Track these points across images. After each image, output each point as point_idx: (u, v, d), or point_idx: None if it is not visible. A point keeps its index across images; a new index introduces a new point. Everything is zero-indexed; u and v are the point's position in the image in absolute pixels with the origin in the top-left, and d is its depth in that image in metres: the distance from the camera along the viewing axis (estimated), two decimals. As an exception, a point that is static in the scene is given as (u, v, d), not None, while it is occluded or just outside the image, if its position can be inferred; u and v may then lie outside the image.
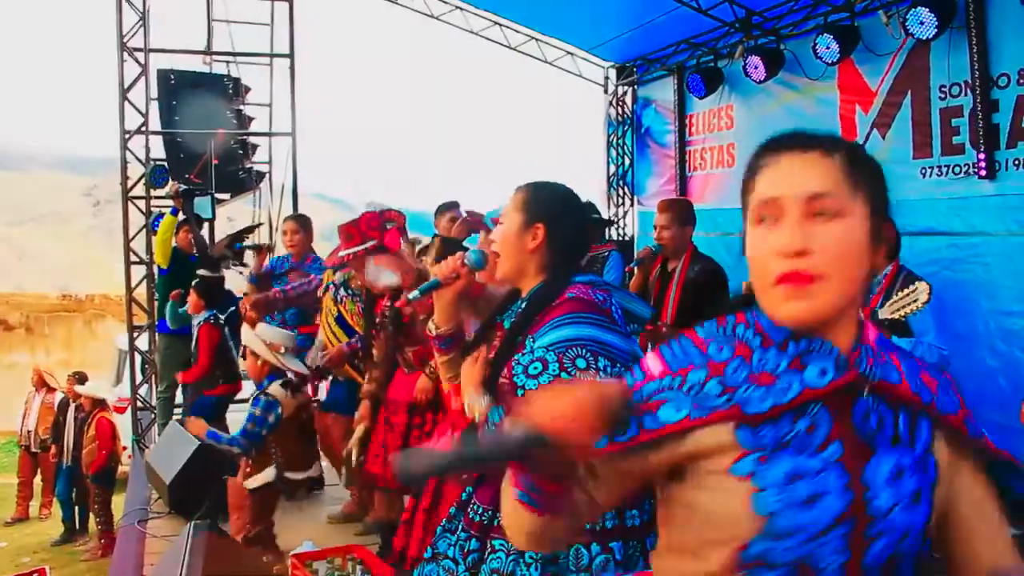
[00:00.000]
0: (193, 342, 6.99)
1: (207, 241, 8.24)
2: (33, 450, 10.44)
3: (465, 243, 4.70)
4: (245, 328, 5.42)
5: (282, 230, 7.46)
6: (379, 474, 4.73)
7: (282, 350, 5.02)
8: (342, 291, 5.63)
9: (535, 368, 2.16)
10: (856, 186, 1.24)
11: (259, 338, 5.02)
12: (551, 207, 2.41)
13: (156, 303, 8.32)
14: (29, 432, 10.42)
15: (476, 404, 2.32)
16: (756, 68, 7.81)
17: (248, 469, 4.96)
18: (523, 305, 2.37)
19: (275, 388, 4.86)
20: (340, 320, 5.65)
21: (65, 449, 9.43)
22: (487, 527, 2.41)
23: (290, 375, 4.96)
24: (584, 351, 2.16)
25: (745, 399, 1.22)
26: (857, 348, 1.27)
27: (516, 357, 2.24)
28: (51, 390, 10.52)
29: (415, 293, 2.57)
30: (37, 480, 10.82)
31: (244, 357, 5.33)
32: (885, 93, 7.03)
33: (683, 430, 1.23)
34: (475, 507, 2.46)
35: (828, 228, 1.21)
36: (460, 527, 2.48)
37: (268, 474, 4.86)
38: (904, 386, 1.27)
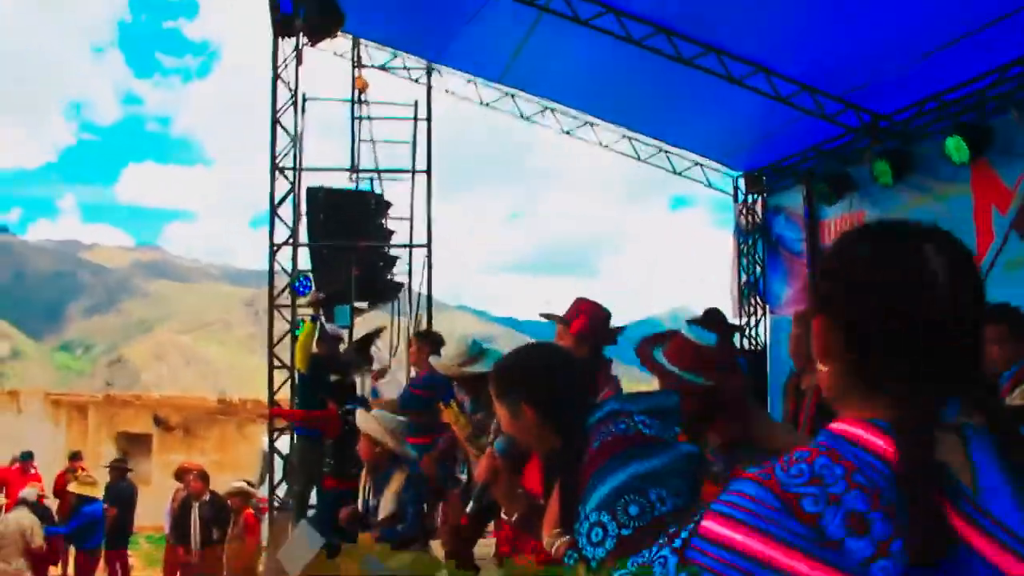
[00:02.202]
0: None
1: (336, 346, 8.54)
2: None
3: None
4: (360, 413, 5.59)
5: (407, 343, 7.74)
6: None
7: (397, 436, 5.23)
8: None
9: (596, 535, 2.10)
10: None
11: (376, 422, 5.21)
12: (521, 381, 2.36)
13: (295, 406, 8.69)
14: None
15: (553, 542, 2.33)
16: (885, 173, 7.71)
17: None
18: (558, 482, 2.32)
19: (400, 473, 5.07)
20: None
21: (192, 546, 9.65)
22: None
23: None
24: (631, 495, 2.08)
25: None
26: None
27: (576, 528, 2.15)
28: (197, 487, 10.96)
29: (472, 506, 2.60)
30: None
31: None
32: (1023, 193, 6.79)
33: None
34: None
35: None
36: None
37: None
38: None
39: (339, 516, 5.69)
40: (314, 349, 8.41)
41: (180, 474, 11.25)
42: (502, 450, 2.50)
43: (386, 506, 5.08)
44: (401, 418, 5.56)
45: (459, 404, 5.16)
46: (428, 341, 7.15)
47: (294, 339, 8.90)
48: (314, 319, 8.43)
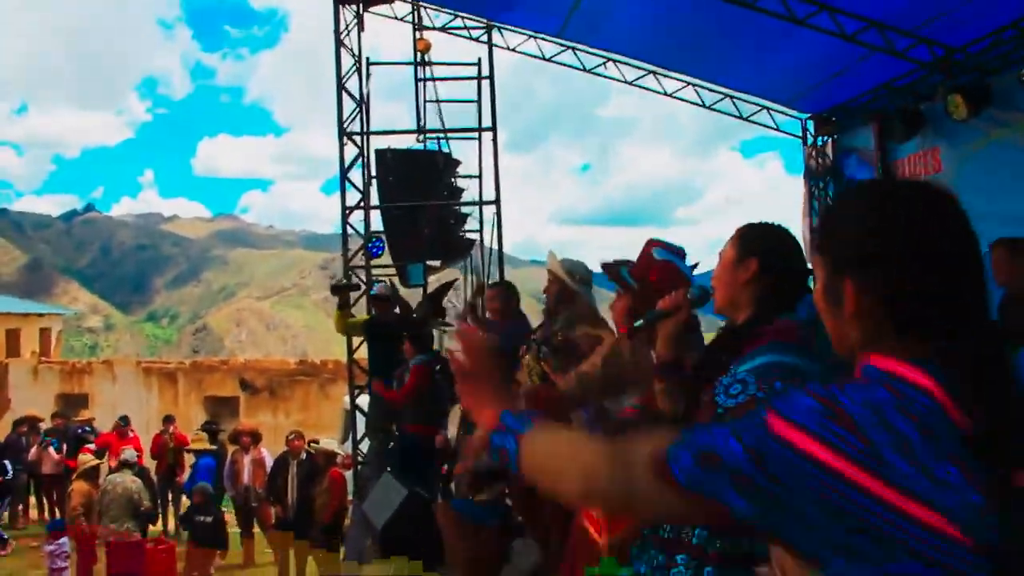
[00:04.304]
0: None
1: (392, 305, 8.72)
2: (253, 504, 11.10)
3: None
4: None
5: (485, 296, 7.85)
6: None
7: None
8: (543, 349, 5.78)
9: (735, 389, 2.28)
10: None
11: None
12: (765, 242, 2.50)
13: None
14: (247, 488, 11.10)
15: None
16: (959, 108, 7.50)
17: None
18: (730, 332, 2.52)
19: None
20: (545, 379, 5.80)
21: (290, 504, 9.87)
22: (671, 541, 2.56)
23: None
24: (781, 373, 2.23)
25: None
26: None
27: (720, 379, 2.35)
28: (257, 447, 11.31)
29: (640, 322, 2.78)
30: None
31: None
32: (1108, 122, 6.57)
33: None
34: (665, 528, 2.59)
35: None
36: (651, 546, 2.64)
37: (499, 486, 5.21)
38: None
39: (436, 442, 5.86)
40: (358, 318, 8.76)
41: (236, 436, 11.64)
42: (694, 296, 2.73)
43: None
44: None
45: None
46: (508, 291, 7.31)
47: (369, 300, 9.13)
48: (340, 306, 8.78)
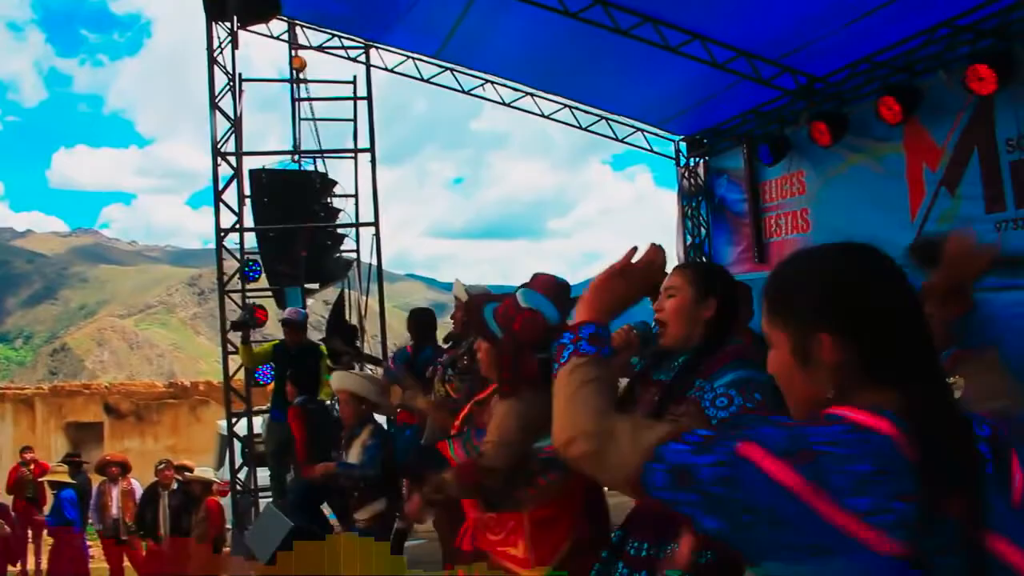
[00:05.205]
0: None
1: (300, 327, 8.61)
2: (123, 538, 10.42)
3: None
4: (337, 373, 5.80)
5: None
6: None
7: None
8: (449, 371, 5.78)
9: (722, 402, 2.54)
10: None
11: (357, 378, 5.44)
12: (722, 284, 2.81)
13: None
14: (116, 521, 10.43)
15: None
16: (821, 133, 7.90)
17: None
18: (691, 355, 2.71)
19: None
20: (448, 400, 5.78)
21: (164, 536, 9.43)
22: (653, 559, 2.60)
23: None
24: (761, 387, 2.51)
25: None
26: None
27: (699, 395, 2.59)
28: (126, 478, 10.77)
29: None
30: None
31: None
32: (952, 150, 7.03)
33: None
34: (635, 545, 2.67)
35: None
36: (619, 569, 2.69)
37: (379, 505, 5.22)
38: None
39: (315, 471, 5.83)
40: (264, 346, 8.62)
41: (103, 466, 11.07)
42: (640, 332, 2.94)
43: (352, 456, 5.49)
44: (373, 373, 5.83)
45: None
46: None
47: (281, 324, 8.89)
48: (244, 340, 8.78)
